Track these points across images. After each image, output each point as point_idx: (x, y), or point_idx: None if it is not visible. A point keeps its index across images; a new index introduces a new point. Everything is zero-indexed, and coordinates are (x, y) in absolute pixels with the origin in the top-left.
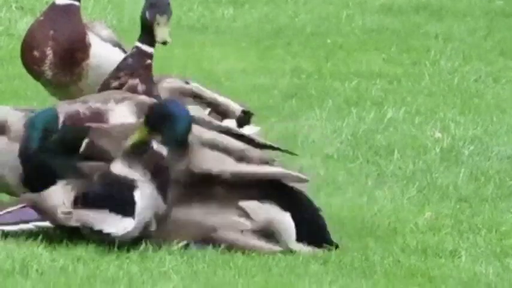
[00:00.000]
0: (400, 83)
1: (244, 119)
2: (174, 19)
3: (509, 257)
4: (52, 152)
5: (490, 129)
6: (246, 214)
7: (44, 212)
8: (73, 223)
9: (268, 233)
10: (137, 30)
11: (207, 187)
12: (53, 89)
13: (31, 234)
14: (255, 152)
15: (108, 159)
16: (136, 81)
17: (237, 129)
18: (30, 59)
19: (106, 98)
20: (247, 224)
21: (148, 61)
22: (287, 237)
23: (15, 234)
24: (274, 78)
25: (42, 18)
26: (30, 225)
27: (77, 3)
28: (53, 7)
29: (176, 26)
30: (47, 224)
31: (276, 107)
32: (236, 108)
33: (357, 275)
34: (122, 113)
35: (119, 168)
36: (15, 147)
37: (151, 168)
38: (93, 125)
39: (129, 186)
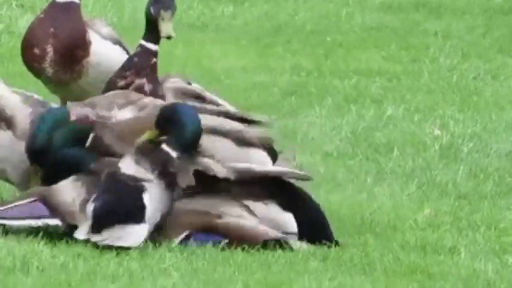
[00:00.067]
0: (400, 81)
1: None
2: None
3: (508, 253)
4: (60, 146)
5: (489, 127)
6: (249, 210)
7: (54, 209)
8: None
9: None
10: (137, 28)
11: (210, 183)
12: (54, 86)
13: (32, 231)
14: (253, 132)
15: (112, 154)
16: (143, 80)
17: (233, 110)
18: (30, 57)
19: (110, 102)
20: (251, 218)
21: (154, 60)
22: (290, 237)
23: (16, 231)
24: (274, 75)
25: (42, 15)
26: (39, 222)
27: (77, 0)
28: (54, 5)
29: (176, 24)
30: (56, 221)
31: (275, 104)
32: (232, 111)
33: (356, 271)
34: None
35: (127, 166)
36: (20, 145)
37: (159, 168)
38: (98, 120)
39: (138, 189)
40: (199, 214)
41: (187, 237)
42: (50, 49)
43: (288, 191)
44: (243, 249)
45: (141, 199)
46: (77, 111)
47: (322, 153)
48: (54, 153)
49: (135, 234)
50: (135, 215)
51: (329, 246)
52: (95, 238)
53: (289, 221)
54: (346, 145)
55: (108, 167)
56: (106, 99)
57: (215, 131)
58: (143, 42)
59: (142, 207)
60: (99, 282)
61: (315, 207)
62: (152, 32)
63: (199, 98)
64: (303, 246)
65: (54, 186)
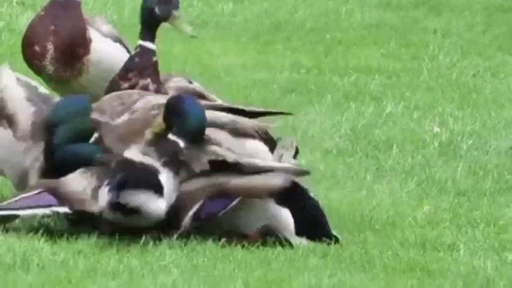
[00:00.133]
0: (399, 78)
1: None
2: None
3: (507, 250)
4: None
5: (488, 124)
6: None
7: (62, 198)
8: (95, 208)
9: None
10: (137, 26)
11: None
12: (54, 84)
13: (32, 229)
14: (248, 123)
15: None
16: (147, 80)
17: (228, 104)
18: (31, 54)
19: (111, 111)
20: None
21: (155, 58)
22: (286, 232)
23: (17, 228)
24: (274, 73)
25: (43, 13)
26: (47, 210)
27: None
28: (54, 2)
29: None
30: (65, 209)
31: (275, 101)
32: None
33: (356, 268)
34: None
35: (135, 155)
36: (19, 147)
37: (166, 157)
38: (102, 120)
39: (153, 170)
40: (208, 186)
41: (198, 211)
42: (50, 47)
43: (287, 188)
44: (243, 246)
45: (157, 177)
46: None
47: (322, 151)
48: (57, 150)
49: (155, 202)
50: (154, 187)
51: (329, 243)
52: (119, 199)
53: (286, 216)
54: (346, 142)
55: (116, 157)
56: (107, 104)
57: (211, 124)
58: (142, 42)
59: (160, 184)
60: (99, 279)
61: (314, 205)
62: (150, 31)
63: (200, 96)
64: (303, 242)
65: (62, 179)
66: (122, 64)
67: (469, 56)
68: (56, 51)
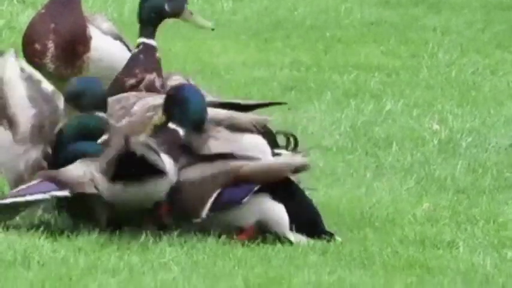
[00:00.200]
0: (399, 76)
1: None
2: None
3: (506, 247)
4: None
5: (488, 121)
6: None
7: (62, 183)
8: (93, 190)
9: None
10: (137, 23)
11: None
12: (55, 81)
13: (32, 225)
14: (245, 117)
15: None
16: (153, 75)
17: (223, 99)
18: (31, 52)
19: (113, 115)
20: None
21: (157, 54)
22: (280, 227)
23: (17, 226)
24: (274, 70)
25: (43, 11)
26: (46, 195)
27: None
28: (54, 0)
29: (177, 19)
30: (65, 193)
31: (275, 99)
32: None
33: (355, 265)
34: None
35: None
36: (17, 149)
37: (166, 145)
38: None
39: (154, 149)
40: (220, 173)
41: (217, 199)
42: (51, 44)
43: (280, 185)
44: (243, 243)
45: (159, 155)
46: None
47: (322, 148)
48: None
49: (163, 163)
50: (158, 161)
51: (328, 240)
52: (131, 148)
53: (280, 211)
54: (346, 140)
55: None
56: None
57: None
58: (144, 40)
59: (162, 160)
60: (99, 276)
61: (308, 203)
62: (151, 28)
63: None
64: (297, 237)
65: (62, 168)
66: (122, 62)
67: (468, 53)
68: (56, 49)
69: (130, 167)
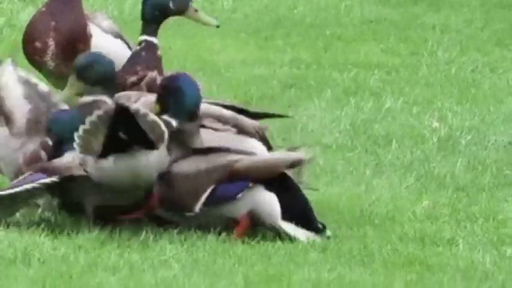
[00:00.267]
0: (398, 73)
1: None
2: None
3: (506, 245)
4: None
5: (487, 119)
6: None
7: (51, 171)
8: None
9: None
10: (138, 21)
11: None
12: (55, 79)
13: (33, 223)
14: (249, 121)
15: None
16: (154, 73)
17: (227, 102)
18: (32, 50)
19: None
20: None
21: (159, 52)
22: (272, 216)
23: (17, 223)
24: (274, 68)
25: (43, 9)
26: (34, 184)
27: None
28: None
29: (177, 17)
30: (52, 179)
31: (275, 97)
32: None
33: (355, 263)
34: None
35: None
36: (15, 143)
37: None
38: None
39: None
40: (215, 168)
41: (212, 194)
42: (51, 42)
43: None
44: (243, 241)
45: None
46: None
47: (321, 145)
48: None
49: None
50: (148, 116)
51: (328, 237)
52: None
53: (272, 200)
54: (345, 137)
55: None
56: None
57: (215, 118)
58: (146, 37)
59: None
60: (100, 274)
61: (301, 196)
62: (154, 26)
63: None
64: (289, 227)
65: (54, 160)
66: (122, 60)
67: (468, 51)
68: (56, 47)
69: (122, 127)
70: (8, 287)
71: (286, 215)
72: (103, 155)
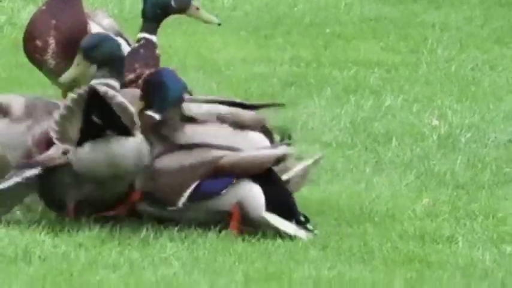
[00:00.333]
0: (398, 71)
1: None
2: None
3: (505, 243)
4: None
5: (487, 117)
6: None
7: (35, 163)
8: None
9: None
10: (138, 20)
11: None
12: (55, 78)
13: (34, 221)
14: (246, 114)
15: None
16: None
17: (224, 97)
18: (32, 48)
19: None
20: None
21: (157, 51)
22: (256, 206)
23: (18, 221)
24: (274, 66)
25: (44, 7)
26: (18, 178)
27: None
28: None
29: (177, 15)
30: (35, 170)
31: (275, 95)
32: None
33: (355, 260)
34: None
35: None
36: (17, 128)
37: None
38: None
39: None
40: (199, 164)
41: (196, 189)
42: (51, 41)
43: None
44: (243, 239)
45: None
46: None
47: (321, 143)
48: None
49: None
50: (117, 97)
51: (311, 230)
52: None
53: (255, 190)
54: (345, 135)
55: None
56: None
57: (210, 116)
58: (146, 35)
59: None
60: (100, 272)
61: (284, 190)
62: (155, 24)
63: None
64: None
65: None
66: None
67: (468, 49)
68: (57, 46)
69: (96, 110)
70: (9, 284)
71: (270, 207)
72: (80, 142)
